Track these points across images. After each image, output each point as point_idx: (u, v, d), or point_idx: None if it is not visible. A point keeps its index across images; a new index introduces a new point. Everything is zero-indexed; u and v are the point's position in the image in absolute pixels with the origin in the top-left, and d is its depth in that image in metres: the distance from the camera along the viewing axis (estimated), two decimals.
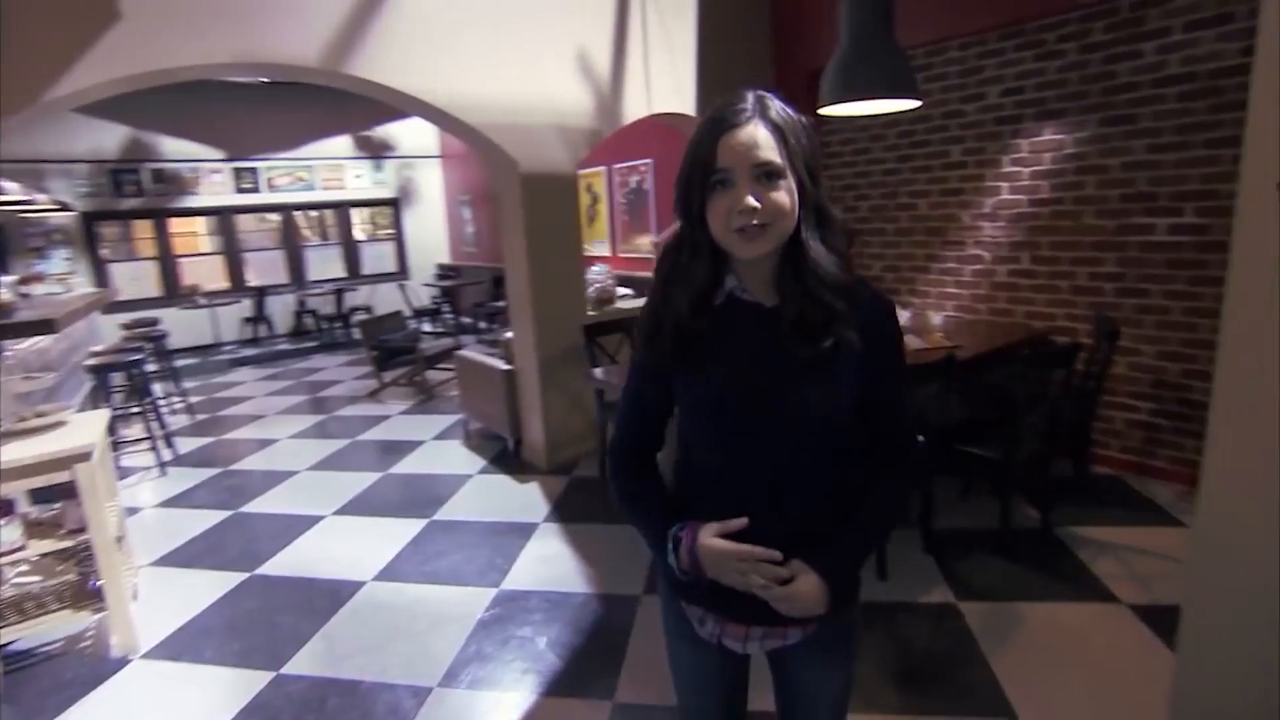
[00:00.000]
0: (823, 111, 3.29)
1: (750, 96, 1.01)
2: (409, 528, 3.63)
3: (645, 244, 6.74)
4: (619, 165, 6.89)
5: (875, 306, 1.05)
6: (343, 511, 3.90)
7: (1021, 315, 4.11)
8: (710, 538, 1.05)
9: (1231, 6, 3.19)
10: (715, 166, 0.99)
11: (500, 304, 8.52)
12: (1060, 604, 2.69)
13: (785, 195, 0.98)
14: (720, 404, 1.07)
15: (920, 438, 1.17)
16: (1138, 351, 3.67)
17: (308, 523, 3.77)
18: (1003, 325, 3.97)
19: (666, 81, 4.46)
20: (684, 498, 1.13)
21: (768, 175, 0.98)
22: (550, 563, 3.20)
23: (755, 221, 0.98)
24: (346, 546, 3.48)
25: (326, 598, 3.00)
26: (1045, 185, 3.90)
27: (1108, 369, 3.31)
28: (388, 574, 3.18)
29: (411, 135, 10.44)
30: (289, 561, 3.36)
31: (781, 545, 1.04)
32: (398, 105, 3.75)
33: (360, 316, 9.34)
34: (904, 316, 4.18)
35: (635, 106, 4.33)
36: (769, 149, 0.98)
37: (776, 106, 1.01)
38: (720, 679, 1.24)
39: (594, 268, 4.67)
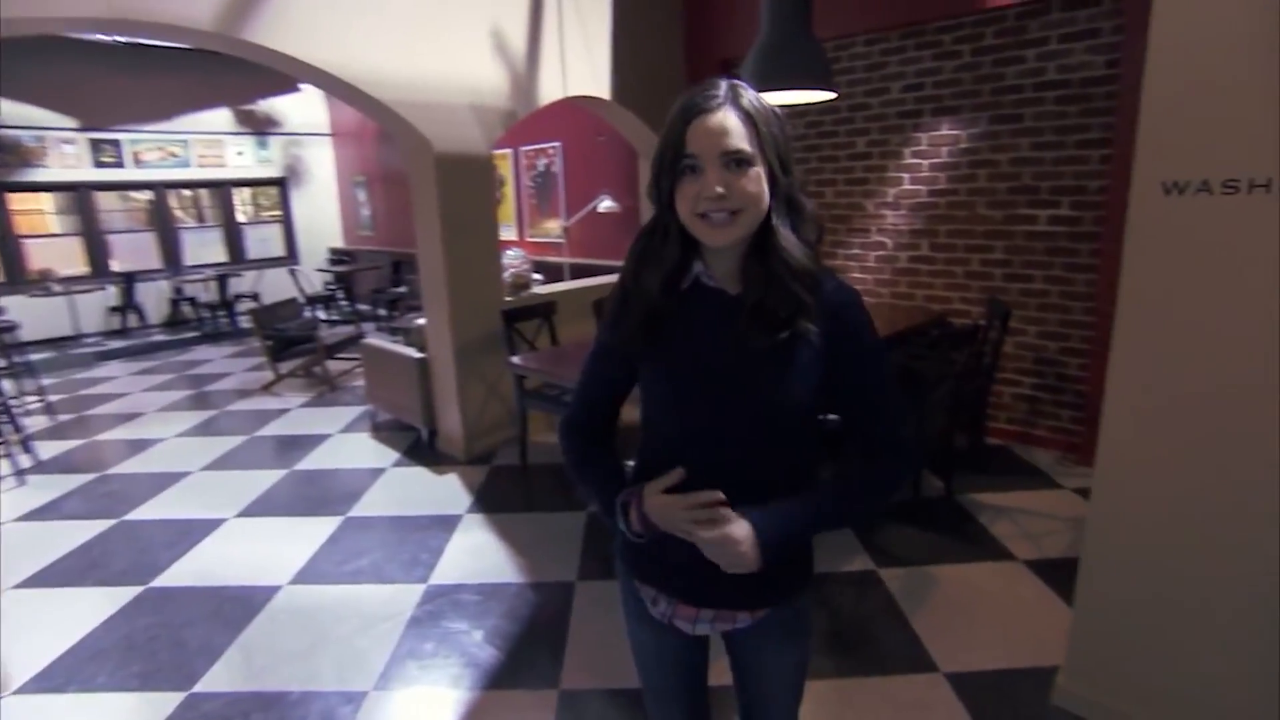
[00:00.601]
0: None
1: (723, 84, 1.00)
2: (323, 526, 3.44)
3: (554, 228, 6.66)
4: (526, 148, 6.76)
5: (839, 297, 1.03)
6: (247, 513, 3.64)
7: (921, 299, 4.36)
8: (654, 494, 1.06)
9: (1098, 23, 3.49)
10: (685, 151, 0.98)
11: (401, 290, 8.23)
12: (967, 565, 2.90)
13: (754, 183, 0.98)
14: (679, 388, 1.07)
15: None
16: (1023, 331, 3.98)
17: (207, 527, 3.49)
18: (905, 308, 4.20)
19: (582, 65, 4.40)
20: (644, 478, 1.11)
21: (737, 163, 0.97)
22: (478, 554, 3.13)
23: (723, 208, 0.97)
24: (255, 550, 3.25)
25: (238, 606, 2.80)
26: (943, 177, 4.14)
27: (1000, 348, 3.57)
28: (305, 576, 3.01)
29: (299, 111, 9.81)
30: (190, 570, 3.10)
31: None
32: (302, 78, 3.51)
33: (247, 304, 8.76)
34: None
35: (551, 88, 4.25)
36: (739, 136, 0.97)
37: (749, 95, 1.00)
38: (677, 659, 1.25)
39: (509, 252, 4.56)
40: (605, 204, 5.61)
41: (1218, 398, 1.73)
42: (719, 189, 0.96)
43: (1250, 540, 1.74)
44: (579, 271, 6.09)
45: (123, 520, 3.62)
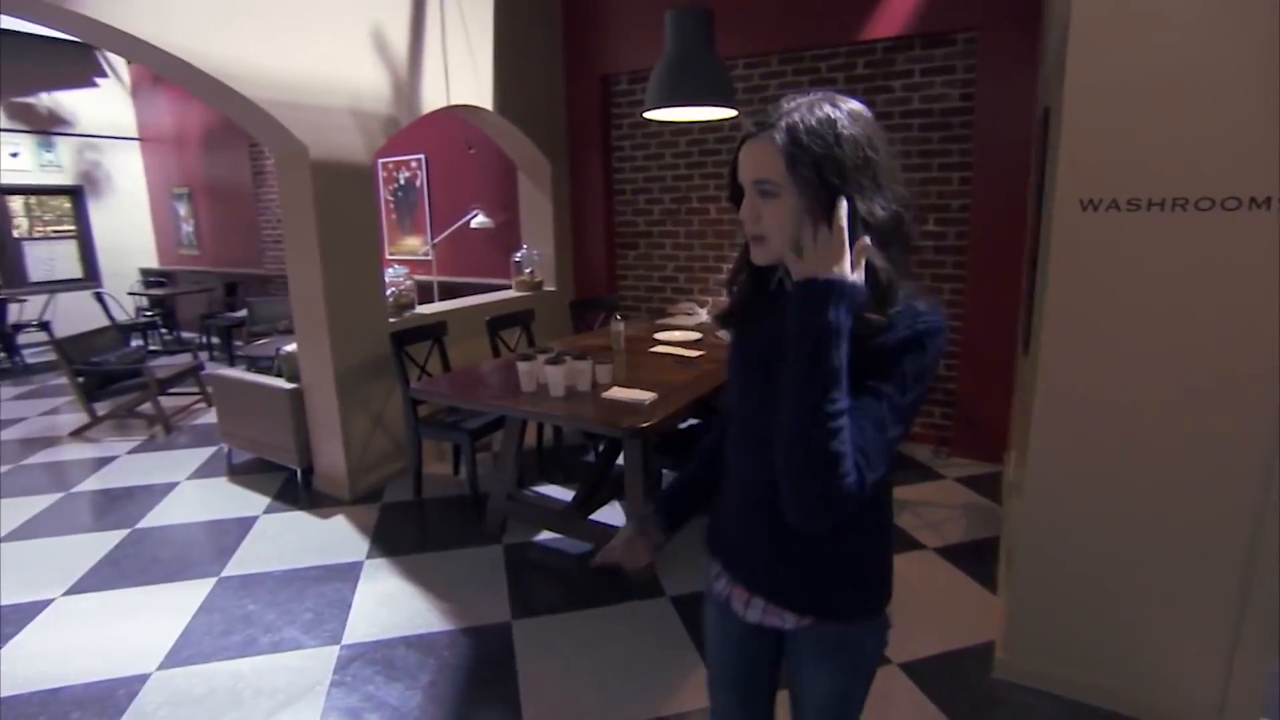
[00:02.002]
0: (648, 115, 3.33)
1: (782, 104, 0.98)
2: (190, 593, 2.92)
3: (418, 245, 6.29)
4: (386, 160, 6.33)
5: (908, 322, 0.95)
6: (80, 589, 2.98)
7: None
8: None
9: (953, 60, 3.86)
10: (737, 175, 1.03)
11: (237, 314, 7.37)
12: None
13: (777, 214, 0.97)
14: (738, 373, 1.12)
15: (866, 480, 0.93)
16: None
17: (27, 613, 2.81)
18: None
19: (465, 73, 4.19)
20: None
21: (763, 193, 0.98)
22: (392, 603, 2.81)
23: (752, 234, 1.01)
24: (102, 634, 2.66)
25: (94, 709, 2.26)
26: None
27: None
28: (180, 656, 2.52)
29: (95, 109, 8.50)
30: (14, 671, 2.46)
31: (768, 537, 1.08)
32: (151, 66, 3.01)
33: (32, 334, 7.44)
34: (703, 315, 4.44)
35: (434, 96, 3.99)
36: (766, 166, 0.96)
37: (801, 116, 0.95)
38: (738, 643, 1.23)
39: (391, 269, 4.20)
40: (478, 219, 5.39)
41: (1135, 391, 1.93)
42: (744, 215, 1.01)
43: (1161, 513, 1.95)
44: (449, 291, 5.78)
45: None
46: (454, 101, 4.11)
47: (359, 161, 3.63)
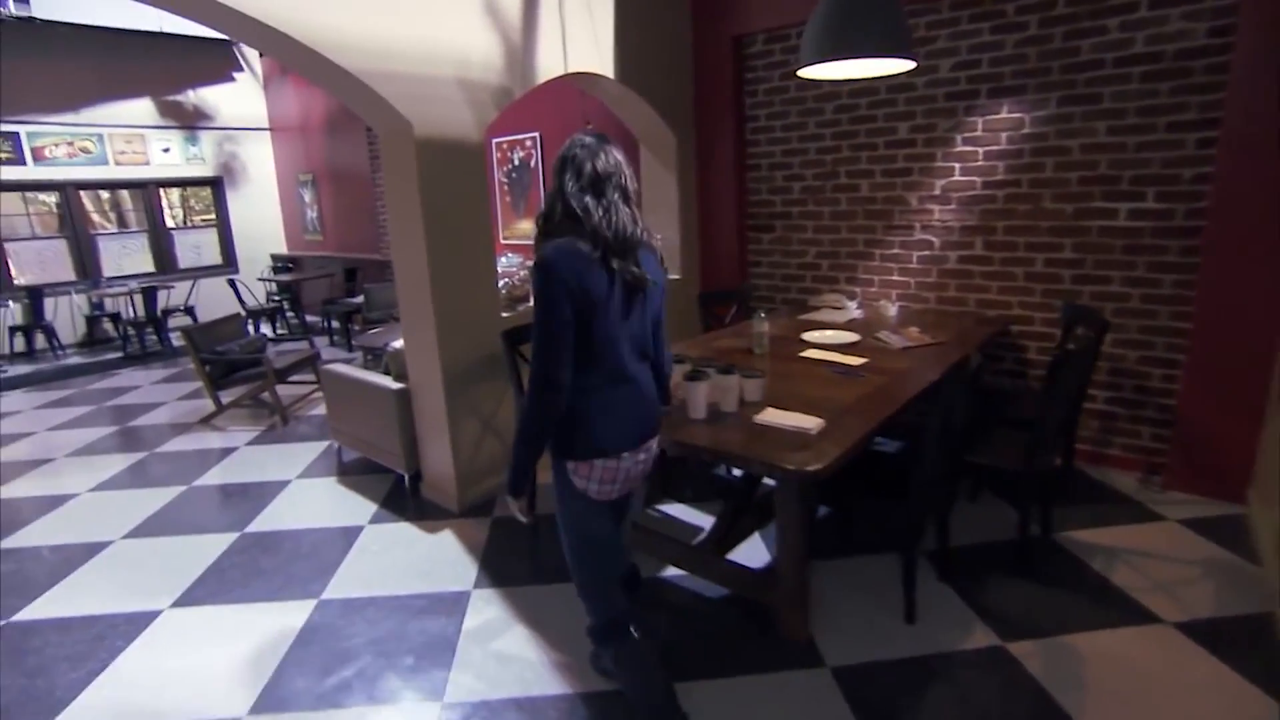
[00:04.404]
0: (805, 74, 2.76)
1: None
2: (292, 616, 2.67)
3: (530, 230, 5.98)
4: (500, 139, 6.05)
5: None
6: (186, 600, 2.81)
7: (973, 303, 3.87)
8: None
9: None
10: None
11: (356, 300, 7.34)
12: (1109, 632, 2.37)
13: None
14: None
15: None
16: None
17: (133, 626, 2.64)
18: (972, 315, 3.75)
19: (585, 37, 3.73)
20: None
21: None
22: (503, 653, 2.41)
23: None
24: (200, 662, 2.43)
25: None
26: (1001, 166, 3.64)
27: (1094, 361, 3.08)
28: (273, 699, 2.23)
29: (233, 102, 8.80)
30: (114, 699, 2.26)
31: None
32: (246, 40, 2.72)
33: (180, 320, 7.74)
34: (854, 310, 3.91)
35: (550, 63, 3.56)
36: None
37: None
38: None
39: (504, 257, 3.84)
40: None
41: None
42: None
43: None
44: None
45: (9, 622, 2.72)
46: (571, 69, 3.68)
47: (469, 138, 3.28)
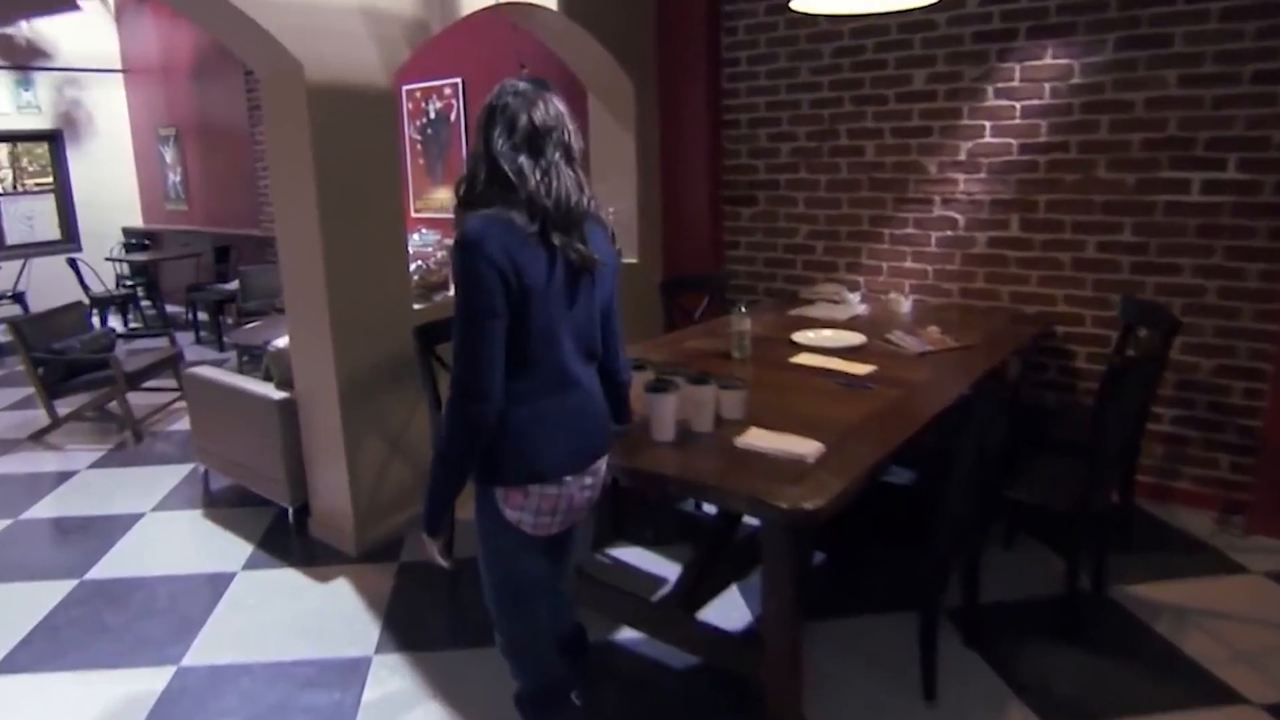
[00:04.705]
0: (796, 5, 2.80)
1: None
2: (143, 685, 2.63)
3: (450, 199, 6.00)
4: (413, 86, 6.13)
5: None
6: (8, 667, 2.78)
7: (1008, 298, 3.94)
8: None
9: None
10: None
11: (228, 286, 7.43)
12: (1178, 715, 2.35)
13: None
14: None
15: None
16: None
17: None
18: (1006, 312, 3.86)
19: None
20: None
21: None
22: None
23: None
24: None
25: None
26: (1044, 126, 3.69)
27: (1161, 374, 3.11)
28: None
29: (76, 37, 8.67)
30: None
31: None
32: None
33: (7, 310, 7.54)
34: (857, 304, 3.95)
35: None
36: None
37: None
38: None
39: (417, 234, 3.88)
40: None
41: None
42: None
43: None
44: None
45: None
46: None
47: (374, 84, 3.34)
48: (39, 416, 5.16)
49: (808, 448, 2.12)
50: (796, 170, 4.46)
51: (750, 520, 2.84)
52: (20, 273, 8.21)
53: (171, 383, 5.48)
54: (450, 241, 3.90)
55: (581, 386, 1.75)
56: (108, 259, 8.64)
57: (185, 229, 8.66)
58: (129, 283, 8.39)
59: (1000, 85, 3.76)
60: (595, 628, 2.59)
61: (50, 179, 8.86)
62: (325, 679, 2.64)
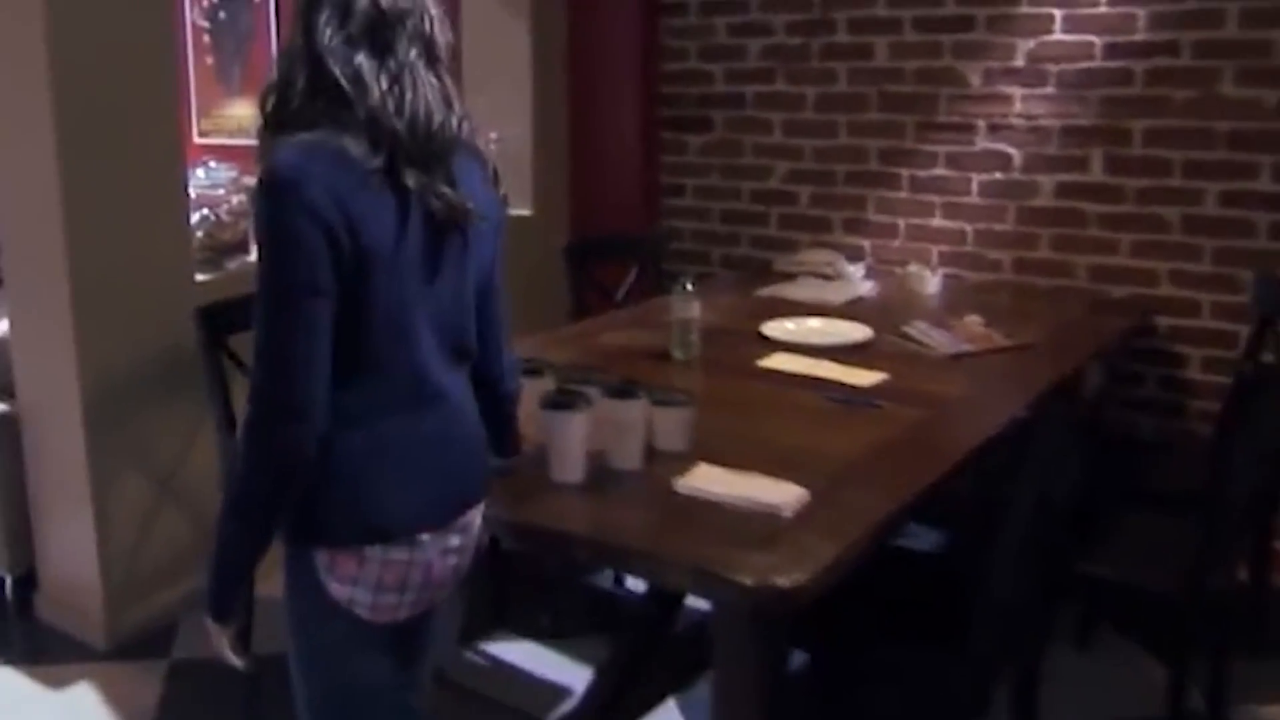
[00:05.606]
0: None
1: None
2: None
3: (253, 119, 6.15)
4: None
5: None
6: None
7: (1084, 274, 4.01)
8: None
9: None
10: None
11: None
12: None
13: None
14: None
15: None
16: None
17: None
18: (1083, 295, 3.89)
19: None
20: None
21: None
22: None
23: None
24: None
25: None
26: (1141, 16, 3.74)
27: None
28: None
29: None
30: None
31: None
32: None
33: None
34: (859, 280, 4.11)
35: None
36: None
37: None
38: None
39: (201, 169, 4.11)
40: None
41: None
42: None
43: None
44: None
45: None
46: None
47: None
48: None
49: (783, 495, 2.08)
50: (771, 80, 4.53)
51: (697, 603, 2.79)
52: None
53: None
54: (252, 181, 3.86)
55: (446, 401, 1.71)
56: None
57: None
58: None
59: None
60: None
61: None
62: None
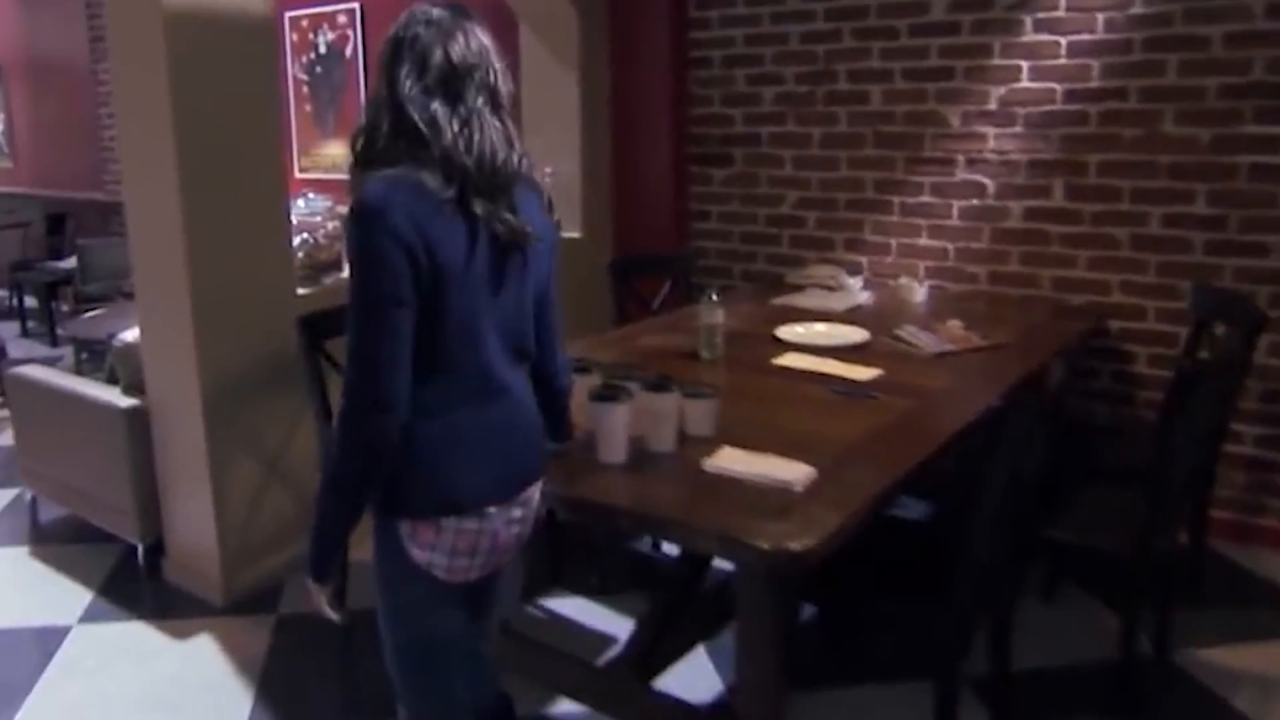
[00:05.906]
0: None
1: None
2: None
3: (344, 156, 6.18)
4: (297, 12, 6.34)
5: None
6: None
7: (1049, 285, 4.02)
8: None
9: None
10: None
11: (63, 264, 7.59)
12: None
13: None
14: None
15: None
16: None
17: None
18: (1047, 303, 3.91)
19: None
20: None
21: None
22: None
23: None
24: None
25: None
26: (1095, 67, 3.75)
27: (1243, 380, 3.15)
28: None
29: None
30: None
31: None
32: None
33: None
34: (858, 291, 4.04)
35: None
36: None
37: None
38: None
39: (302, 200, 3.95)
40: None
41: None
42: None
43: None
44: None
45: None
46: None
47: (250, 9, 3.40)
48: None
49: (795, 473, 2.11)
50: (783, 122, 4.49)
51: (722, 564, 2.86)
52: None
53: None
54: (344, 210, 3.93)
55: (509, 394, 1.74)
56: None
57: (9, 191, 8.70)
58: None
59: (1041, 15, 3.81)
60: (525, 700, 2.62)
61: None
62: None
